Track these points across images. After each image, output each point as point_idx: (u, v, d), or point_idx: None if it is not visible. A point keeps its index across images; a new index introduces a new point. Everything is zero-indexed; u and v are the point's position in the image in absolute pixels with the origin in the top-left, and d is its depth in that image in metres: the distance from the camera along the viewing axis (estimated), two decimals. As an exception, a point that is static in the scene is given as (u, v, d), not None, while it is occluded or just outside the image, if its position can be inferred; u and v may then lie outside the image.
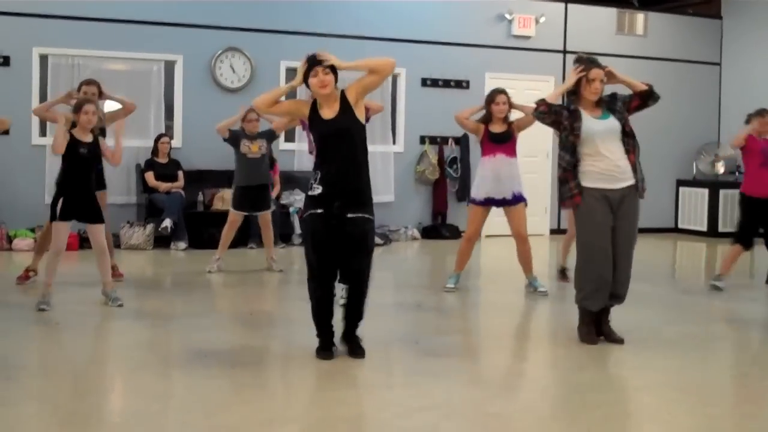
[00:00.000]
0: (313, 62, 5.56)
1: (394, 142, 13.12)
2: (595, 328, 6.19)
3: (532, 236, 9.04)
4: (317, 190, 5.46)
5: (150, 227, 10.98)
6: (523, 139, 13.60)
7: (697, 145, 14.82)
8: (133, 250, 10.78)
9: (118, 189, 11.74)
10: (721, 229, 14.05)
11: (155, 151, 11.49)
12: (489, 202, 8.17)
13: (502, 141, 8.09)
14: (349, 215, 5.43)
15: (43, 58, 11.35)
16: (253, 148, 9.29)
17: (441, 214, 13.33)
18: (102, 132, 7.71)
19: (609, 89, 6.52)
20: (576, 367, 5.63)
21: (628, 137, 6.21)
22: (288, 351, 6.16)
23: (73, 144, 7.07)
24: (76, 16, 11.43)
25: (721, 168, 14.64)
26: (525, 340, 6.51)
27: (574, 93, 6.40)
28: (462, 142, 13.30)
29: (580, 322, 6.24)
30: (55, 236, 7.06)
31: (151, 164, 11.44)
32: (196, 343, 6.07)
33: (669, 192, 14.78)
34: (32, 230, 10.91)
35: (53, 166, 11.27)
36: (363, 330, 6.13)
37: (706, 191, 14.25)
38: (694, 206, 14.45)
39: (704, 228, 14.18)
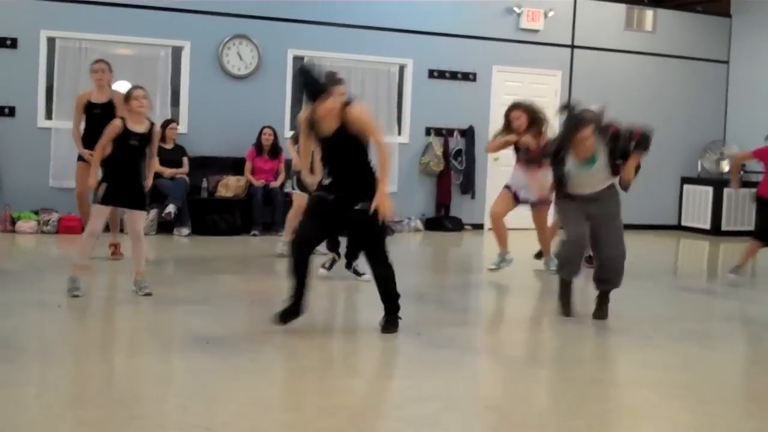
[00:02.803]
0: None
1: (399, 133, 13.11)
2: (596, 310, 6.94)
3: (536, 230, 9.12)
4: (327, 180, 6.03)
5: (153, 212, 10.99)
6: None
7: (703, 143, 14.80)
8: (136, 234, 10.77)
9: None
10: (724, 227, 14.04)
11: (162, 137, 11.48)
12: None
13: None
14: (357, 207, 5.89)
15: (51, 41, 11.34)
16: None
17: (444, 206, 13.32)
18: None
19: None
20: (576, 361, 5.63)
21: (615, 159, 6.75)
22: (289, 339, 6.17)
23: (125, 135, 7.00)
24: (85, -1, 11.43)
25: (725, 166, 14.61)
26: (526, 333, 6.51)
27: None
28: (467, 134, 13.29)
29: (559, 293, 7.04)
30: (93, 218, 7.02)
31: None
32: (197, 329, 6.08)
33: (673, 189, 14.76)
34: (36, 213, 10.93)
35: (58, 149, 11.30)
36: (364, 319, 6.16)
37: (710, 189, 14.22)
38: (698, 204, 14.43)
39: (708, 226, 14.16)
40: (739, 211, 14.17)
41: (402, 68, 13.12)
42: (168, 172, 11.17)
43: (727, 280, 9.08)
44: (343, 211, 5.95)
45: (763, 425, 4.53)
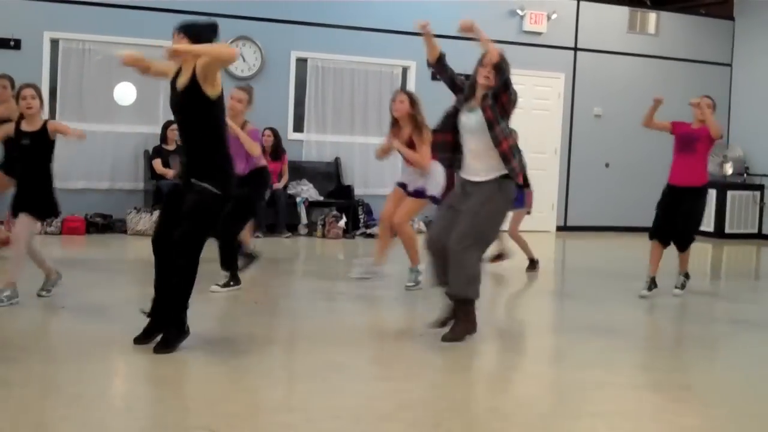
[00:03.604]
0: (175, 29, 5.56)
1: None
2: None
3: (539, 233, 9.08)
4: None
5: (156, 213, 10.97)
6: (531, 135, 13.73)
7: (707, 146, 14.78)
8: (139, 235, 10.79)
9: (126, 175, 11.80)
10: (728, 230, 14.02)
11: (164, 138, 11.50)
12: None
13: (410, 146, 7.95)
14: (193, 180, 5.31)
15: (54, 43, 11.36)
16: None
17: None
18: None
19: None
20: (578, 364, 5.62)
21: (493, 129, 5.93)
22: (291, 340, 6.17)
23: (17, 135, 6.66)
24: (88, 1, 11.45)
25: (729, 169, 14.61)
26: (527, 335, 6.50)
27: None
28: (470, 136, 13.27)
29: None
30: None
31: (158, 151, 11.45)
32: (199, 331, 6.07)
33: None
34: (39, 214, 10.94)
35: (61, 150, 11.22)
36: (364, 321, 6.14)
37: (713, 192, 14.17)
38: (701, 207, 14.40)
39: (711, 229, 14.14)
40: (743, 214, 14.17)
41: (405, 70, 13.13)
42: (171, 173, 11.16)
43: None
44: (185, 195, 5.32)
45: (766, 428, 4.52)
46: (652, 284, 8.08)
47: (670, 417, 4.58)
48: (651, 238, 8.18)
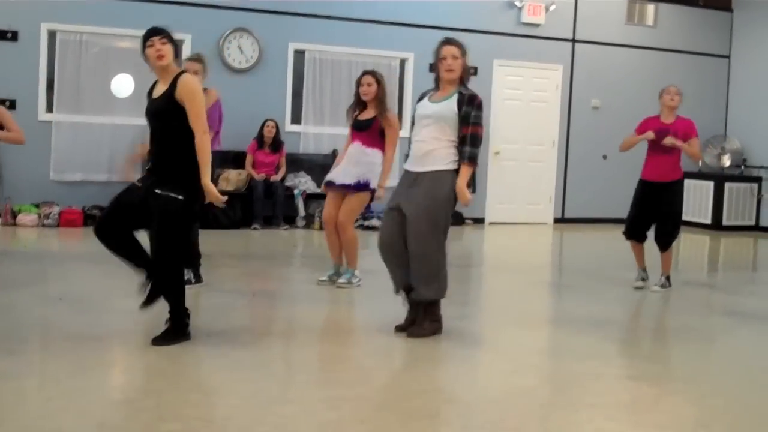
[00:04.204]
0: (150, 33, 5.40)
1: (400, 128, 13.07)
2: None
3: (537, 225, 9.06)
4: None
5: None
6: (528, 127, 13.73)
7: (704, 138, 14.76)
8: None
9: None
10: (725, 222, 14.03)
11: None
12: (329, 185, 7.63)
13: (361, 129, 7.59)
14: (157, 191, 5.28)
15: (52, 34, 11.33)
16: None
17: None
18: None
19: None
20: (576, 355, 5.63)
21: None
22: (289, 332, 6.17)
23: None
24: (85, -8, 11.42)
25: (727, 161, 14.62)
26: (526, 327, 6.50)
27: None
28: (468, 128, 13.27)
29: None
30: None
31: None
32: (197, 323, 6.08)
33: (674, 184, 14.73)
34: (37, 206, 10.94)
35: (59, 142, 11.31)
36: (366, 313, 6.13)
37: (711, 184, 14.20)
38: (699, 199, 14.41)
39: (708, 221, 14.15)
40: (740, 206, 14.17)
41: (403, 62, 13.11)
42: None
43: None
44: (147, 199, 5.32)
45: (765, 419, 4.53)
46: (644, 274, 8.12)
47: (667, 408, 4.59)
48: (628, 238, 8.16)
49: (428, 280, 5.71)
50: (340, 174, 7.51)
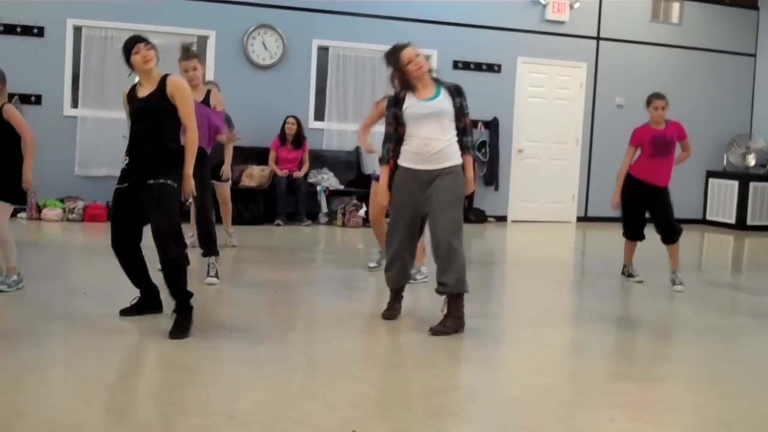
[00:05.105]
0: (135, 41, 5.75)
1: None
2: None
3: (560, 223, 9.02)
4: (125, 161, 5.77)
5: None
6: (552, 125, 13.68)
7: (729, 137, 14.69)
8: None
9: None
10: (749, 222, 13.94)
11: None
12: None
13: None
14: (150, 181, 5.56)
15: (77, 30, 11.41)
16: None
17: (468, 198, 13.25)
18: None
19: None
20: (599, 354, 5.62)
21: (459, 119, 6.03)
22: (312, 327, 6.19)
23: None
24: (111, -12, 11.48)
25: (752, 160, 14.51)
26: (547, 325, 6.49)
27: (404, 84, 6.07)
28: (491, 126, 13.26)
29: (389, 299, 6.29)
30: None
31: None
32: (221, 318, 6.12)
33: (698, 183, 14.66)
34: (61, 200, 11.02)
35: (84, 137, 11.39)
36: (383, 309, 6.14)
37: (736, 183, 14.12)
38: (723, 198, 14.33)
39: (732, 221, 14.06)
40: (765, 206, 14.07)
41: (427, 59, 13.09)
42: None
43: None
44: (139, 192, 5.59)
45: (788, 420, 4.51)
46: (633, 269, 8.34)
47: (689, 408, 4.57)
48: (632, 239, 8.29)
49: (458, 274, 5.79)
50: None
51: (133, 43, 5.73)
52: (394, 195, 6.02)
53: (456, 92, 6.04)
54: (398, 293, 6.25)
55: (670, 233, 8.02)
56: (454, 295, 5.85)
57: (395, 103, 6.07)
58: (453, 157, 5.90)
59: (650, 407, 4.59)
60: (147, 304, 5.96)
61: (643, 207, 8.13)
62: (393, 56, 6.12)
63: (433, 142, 5.85)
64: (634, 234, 8.23)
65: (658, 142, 8.02)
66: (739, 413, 4.53)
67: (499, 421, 4.20)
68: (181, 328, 5.45)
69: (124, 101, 5.88)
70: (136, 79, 5.85)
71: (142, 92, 5.70)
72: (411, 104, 5.95)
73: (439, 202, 5.82)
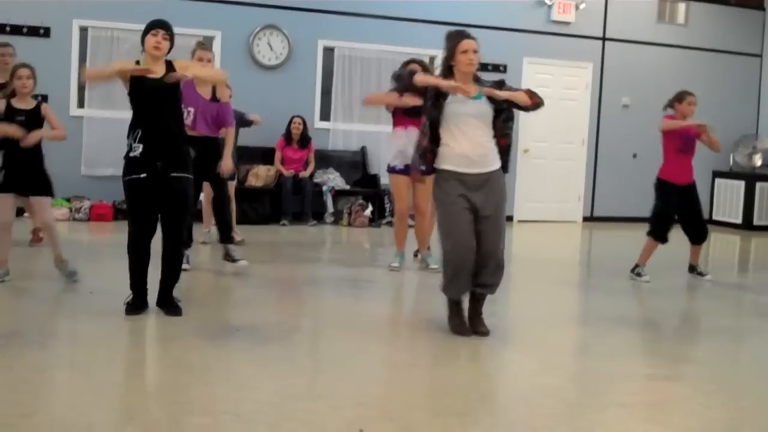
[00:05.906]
0: (159, 24, 5.83)
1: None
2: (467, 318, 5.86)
3: (566, 223, 9.01)
4: (138, 149, 5.78)
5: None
6: (558, 125, 13.67)
7: (735, 137, 14.66)
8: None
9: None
10: (756, 222, 13.92)
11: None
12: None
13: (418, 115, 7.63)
14: (173, 174, 5.70)
15: (83, 31, 11.43)
16: None
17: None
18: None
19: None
20: (605, 354, 5.60)
21: (504, 122, 5.90)
22: (318, 327, 6.19)
23: (9, 113, 6.70)
24: (117, -11, 11.49)
25: (758, 161, 14.48)
26: (555, 326, 6.48)
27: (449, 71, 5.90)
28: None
29: (449, 313, 5.89)
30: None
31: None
32: (227, 318, 6.12)
33: (704, 183, 14.60)
34: (68, 200, 11.03)
35: (90, 137, 11.40)
36: (392, 309, 6.14)
37: (742, 183, 14.09)
38: (729, 198, 14.31)
39: (739, 221, 14.04)
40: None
41: (432, 59, 13.08)
42: None
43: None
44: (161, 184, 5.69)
45: (796, 421, 4.49)
46: (643, 269, 8.37)
47: (697, 409, 4.56)
48: (663, 242, 8.29)
49: (500, 278, 5.86)
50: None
51: (155, 26, 5.77)
52: (447, 201, 5.71)
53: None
54: (461, 302, 5.90)
55: (704, 231, 8.32)
56: (485, 296, 5.89)
57: (438, 96, 5.84)
58: (497, 160, 5.81)
59: (658, 408, 4.58)
60: (143, 304, 5.93)
61: (676, 208, 8.26)
62: (454, 39, 5.96)
63: (481, 147, 5.72)
64: (662, 235, 8.25)
65: (688, 139, 8.25)
66: (748, 414, 4.52)
67: (507, 422, 4.19)
68: (176, 310, 5.85)
69: (128, 69, 5.71)
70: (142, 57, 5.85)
71: (154, 75, 5.68)
72: (455, 100, 5.81)
73: (492, 207, 5.73)
